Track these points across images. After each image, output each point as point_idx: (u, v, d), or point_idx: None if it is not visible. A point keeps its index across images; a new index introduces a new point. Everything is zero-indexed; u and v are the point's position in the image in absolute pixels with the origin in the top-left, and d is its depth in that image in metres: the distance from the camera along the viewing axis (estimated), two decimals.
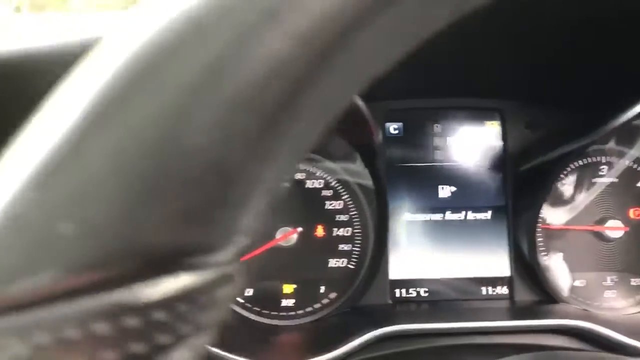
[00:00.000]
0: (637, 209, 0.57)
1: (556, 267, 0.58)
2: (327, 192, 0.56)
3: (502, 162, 0.58)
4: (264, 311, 0.55)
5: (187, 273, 0.13)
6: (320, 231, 0.56)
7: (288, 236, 0.55)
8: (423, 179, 0.57)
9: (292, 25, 0.13)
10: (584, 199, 0.58)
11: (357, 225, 0.56)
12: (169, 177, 0.13)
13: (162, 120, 0.13)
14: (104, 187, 0.12)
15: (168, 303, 0.13)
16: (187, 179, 0.13)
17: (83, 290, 0.12)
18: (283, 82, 0.13)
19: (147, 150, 0.13)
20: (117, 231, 0.12)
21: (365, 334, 0.48)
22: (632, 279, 0.57)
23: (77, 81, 0.14)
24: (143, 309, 0.13)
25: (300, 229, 0.55)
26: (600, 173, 0.57)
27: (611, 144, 0.58)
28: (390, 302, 0.56)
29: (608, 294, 0.57)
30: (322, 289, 0.56)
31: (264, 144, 0.14)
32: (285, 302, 0.56)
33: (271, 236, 0.55)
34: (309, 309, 0.56)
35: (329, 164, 0.56)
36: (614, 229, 0.56)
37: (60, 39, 0.45)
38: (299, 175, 0.56)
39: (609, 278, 0.58)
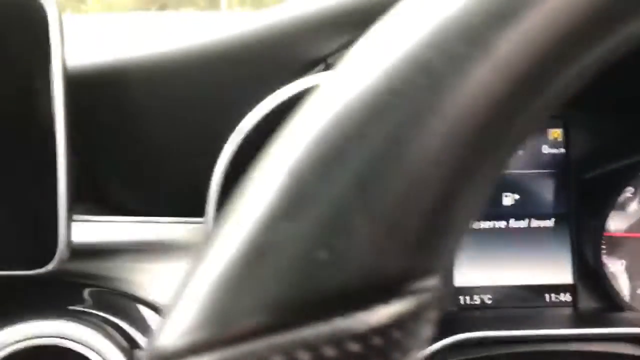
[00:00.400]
0: None
1: (620, 274, 0.58)
2: None
3: (565, 170, 0.58)
4: None
5: (414, 296, 0.14)
6: None
7: None
8: None
9: (502, 58, 0.14)
10: None
11: None
12: (406, 208, 0.14)
13: (398, 154, 0.14)
14: (353, 216, 0.13)
15: (402, 323, 0.14)
16: (419, 209, 0.14)
17: (335, 312, 0.13)
18: (498, 113, 0.14)
19: (385, 184, 0.13)
20: (364, 258, 0.13)
21: (438, 340, 0.48)
22: None
23: (311, 113, 0.15)
24: (385, 329, 0.13)
25: None
26: None
27: None
28: (455, 309, 0.56)
29: None
30: None
31: (475, 174, 0.14)
32: None
33: None
34: None
35: None
36: None
37: (153, 48, 0.46)
38: None
39: None
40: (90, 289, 0.49)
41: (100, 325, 0.44)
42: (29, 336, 0.42)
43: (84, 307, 0.47)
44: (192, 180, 0.47)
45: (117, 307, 0.47)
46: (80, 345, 0.42)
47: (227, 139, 0.44)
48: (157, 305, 0.49)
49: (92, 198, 0.50)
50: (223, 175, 0.42)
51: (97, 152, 0.49)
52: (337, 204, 0.13)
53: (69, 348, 0.42)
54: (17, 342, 0.41)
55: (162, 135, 0.48)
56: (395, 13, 0.16)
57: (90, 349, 0.42)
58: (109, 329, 0.44)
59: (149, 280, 0.50)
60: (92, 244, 0.49)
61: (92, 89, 0.47)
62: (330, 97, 0.15)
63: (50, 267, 0.43)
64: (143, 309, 0.48)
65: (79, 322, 0.43)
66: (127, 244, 0.50)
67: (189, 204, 0.48)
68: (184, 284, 0.15)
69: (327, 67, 0.45)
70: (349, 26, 0.44)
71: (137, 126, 0.48)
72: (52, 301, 0.48)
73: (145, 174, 0.50)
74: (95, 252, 0.49)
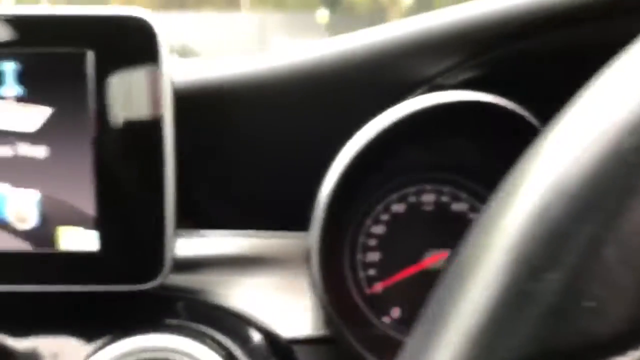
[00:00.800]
0: None
1: None
2: (472, 215, 0.57)
3: None
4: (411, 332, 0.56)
5: None
6: None
7: (436, 259, 0.56)
8: None
9: None
10: None
11: None
12: None
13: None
14: (614, 267, 0.14)
15: None
16: None
17: (596, 357, 0.14)
18: None
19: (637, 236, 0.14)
20: (623, 307, 0.14)
21: None
22: None
23: (558, 171, 0.15)
24: None
25: (447, 253, 0.56)
26: None
27: None
28: None
29: None
30: None
31: None
32: None
33: (419, 260, 0.56)
34: None
35: (475, 186, 0.57)
36: None
37: (257, 65, 0.47)
38: (444, 198, 0.57)
39: None
40: (184, 302, 0.50)
41: (202, 338, 0.44)
42: (139, 349, 0.43)
43: (179, 320, 0.48)
44: (291, 195, 0.47)
45: (213, 319, 0.48)
46: (188, 359, 0.42)
47: (328, 156, 0.44)
48: (252, 318, 0.49)
49: (186, 212, 0.51)
50: (332, 191, 0.42)
51: (193, 166, 0.50)
52: (597, 254, 0.14)
53: None
54: (128, 355, 0.42)
55: (261, 150, 0.48)
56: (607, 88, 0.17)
57: None
58: (210, 341, 0.45)
59: (242, 293, 0.51)
60: (188, 258, 0.49)
61: (192, 104, 0.47)
62: (568, 157, 0.15)
63: (157, 281, 0.44)
64: (238, 322, 0.49)
65: (185, 335, 0.44)
66: (221, 257, 0.51)
67: (285, 218, 0.49)
68: (437, 324, 0.15)
69: (433, 89, 0.45)
70: (456, 48, 0.44)
71: (236, 141, 0.48)
72: (148, 314, 0.48)
73: (242, 189, 0.50)
74: (189, 265, 0.50)
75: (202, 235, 0.50)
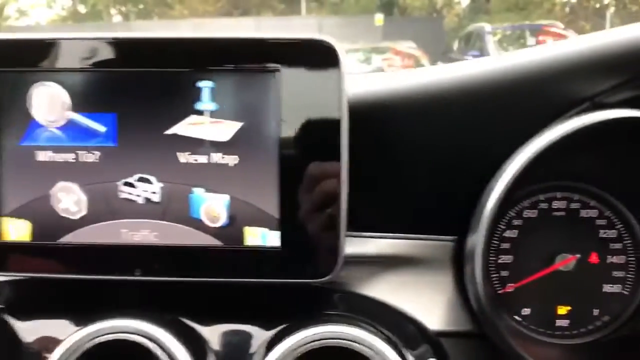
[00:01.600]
0: None
1: None
2: (601, 221, 0.60)
3: None
4: (539, 329, 0.60)
5: None
6: (594, 258, 0.60)
7: (567, 262, 0.59)
8: None
9: None
10: None
11: (632, 253, 0.60)
12: None
13: None
14: None
15: None
16: None
17: None
18: None
19: None
20: None
21: None
22: None
23: None
24: None
25: (578, 256, 0.59)
26: None
27: None
28: None
29: None
30: (596, 312, 0.60)
31: None
32: (560, 323, 0.60)
33: (552, 261, 0.59)
34: (582, 330, 0.60)
35: (604, 195, 0.60)
36: None
37: (417, 79, 0.51)
38: (574, 205, 0.60)
39: None
40: (340, 295, 0.55)
41: (370, 328, 0.49)
42: (316, 339, 0.48)
43: (340, 311, 0.53)
44: (441, 202, 0.51)
45: (370, 311, 0.53)
46: (366, 348, 0.47)
47: (484, 170, 0.48)
48: (403, 311, 0.54)
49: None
50: (498, 200, 0.46)
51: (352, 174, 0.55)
52: None
53: (355, 350, 0.47)
54: (311, 342, 0.47)
55: (418, 161, 0.53)
56: None
57: (375, 351, 0.47)
58: (378, 332, 0.49)
59: (388, 288, 0.55)
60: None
61: (355, 116, 0.52)
62: None
63: (332, 276, 0.49)
64: (392, 314, 0.54)
65: (354, 326, 0.49)
66: (368, 256, 0.55)
67: (433, 224, 0.53)
68: None
69: (594, 107, 0.48)
70: (621, 68, 0.47)
71: (393, 153, 0.53)
72: (312, 305, 0.54)
73: (393, 195, 0.55)
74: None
75: (355, 237, 0.55)
